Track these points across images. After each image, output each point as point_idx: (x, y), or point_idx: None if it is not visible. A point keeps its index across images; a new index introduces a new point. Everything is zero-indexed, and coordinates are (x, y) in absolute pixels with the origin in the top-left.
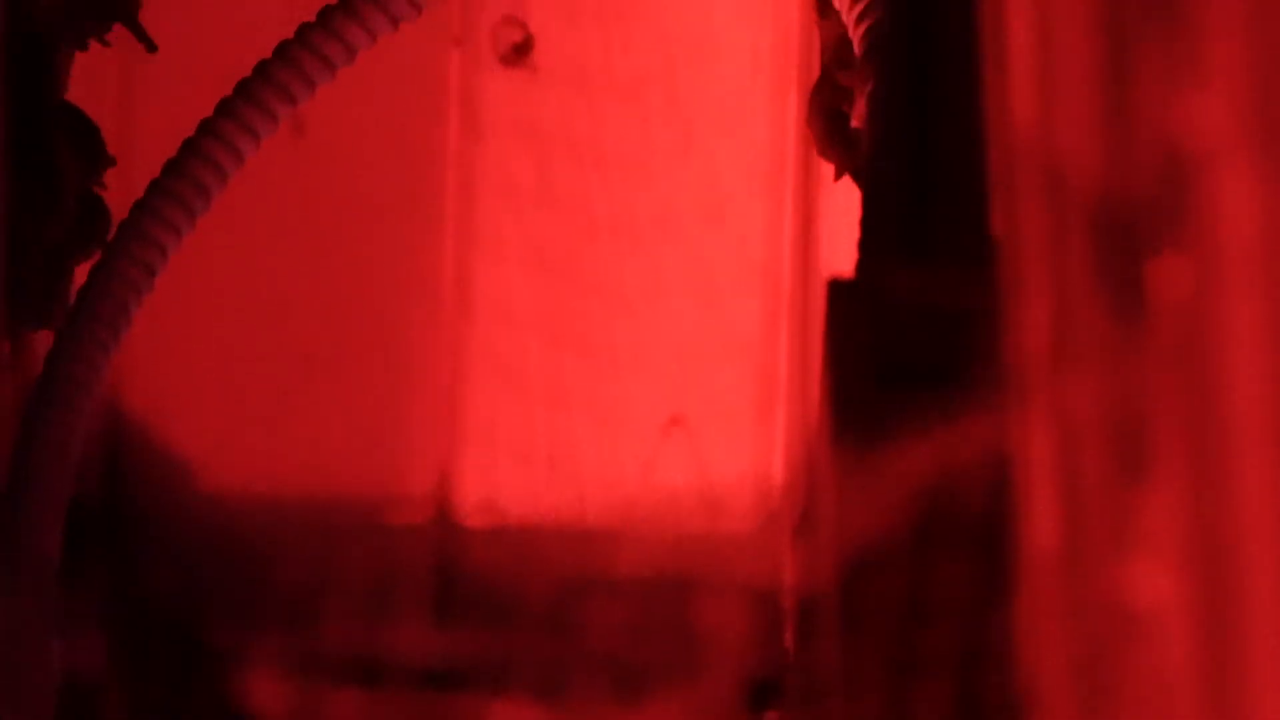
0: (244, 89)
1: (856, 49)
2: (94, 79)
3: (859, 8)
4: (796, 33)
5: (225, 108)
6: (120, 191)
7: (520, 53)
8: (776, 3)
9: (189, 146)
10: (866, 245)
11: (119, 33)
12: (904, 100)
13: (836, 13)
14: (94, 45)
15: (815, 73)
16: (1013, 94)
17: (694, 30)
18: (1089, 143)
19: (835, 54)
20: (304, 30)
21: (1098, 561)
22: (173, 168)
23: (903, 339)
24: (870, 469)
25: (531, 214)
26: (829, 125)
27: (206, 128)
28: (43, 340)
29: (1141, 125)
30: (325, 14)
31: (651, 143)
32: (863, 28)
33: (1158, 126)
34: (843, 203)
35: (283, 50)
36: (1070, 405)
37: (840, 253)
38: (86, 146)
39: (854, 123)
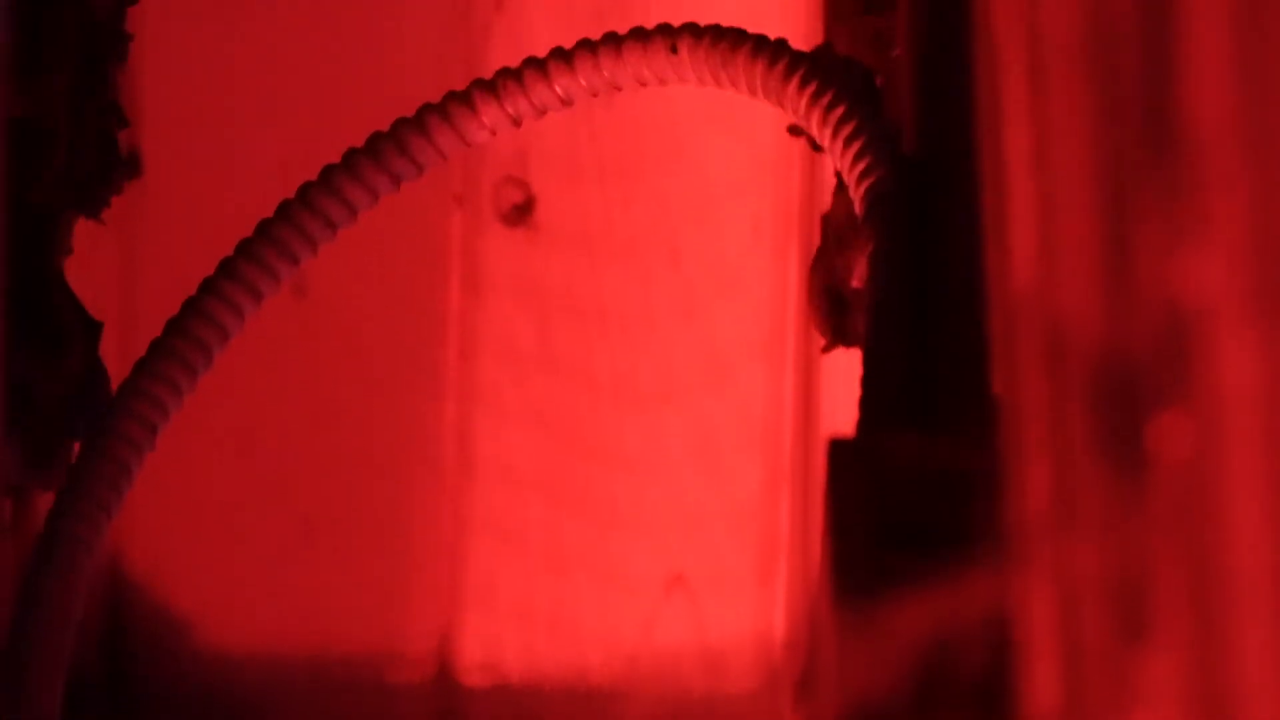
0: (245, 248)
1: (857, 208)
2: (96, 240)
3: (860, 167)
4: (798, 197)
5: (227, 267)
6: (122, 353)
7: (522, 213)
8: (777, 168)
9: (190, 306)
10: (867, 405)
11: (120, 199)
12: (905, 260)
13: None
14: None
15: (816, 236)
16: (1013, 254)
17: (696, 193)
18: (1089, 303)
19: (835, 233)
20: (306, 189)
21: None
22: (174, 327)
23: (903, 499)
24: (871, 629)
25: (533, 374)
26: (828, 303)
27: (208, 287)
28: (44, 500)
29: (1142, 284)
30: (327, 173)
31: (653, 304)
32: (864, 187)
33: (1158, 285)
34: (844, 364)
35: (284, 210)
36: (1071, 566)
37: (841, 414)
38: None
39: (854, 283)
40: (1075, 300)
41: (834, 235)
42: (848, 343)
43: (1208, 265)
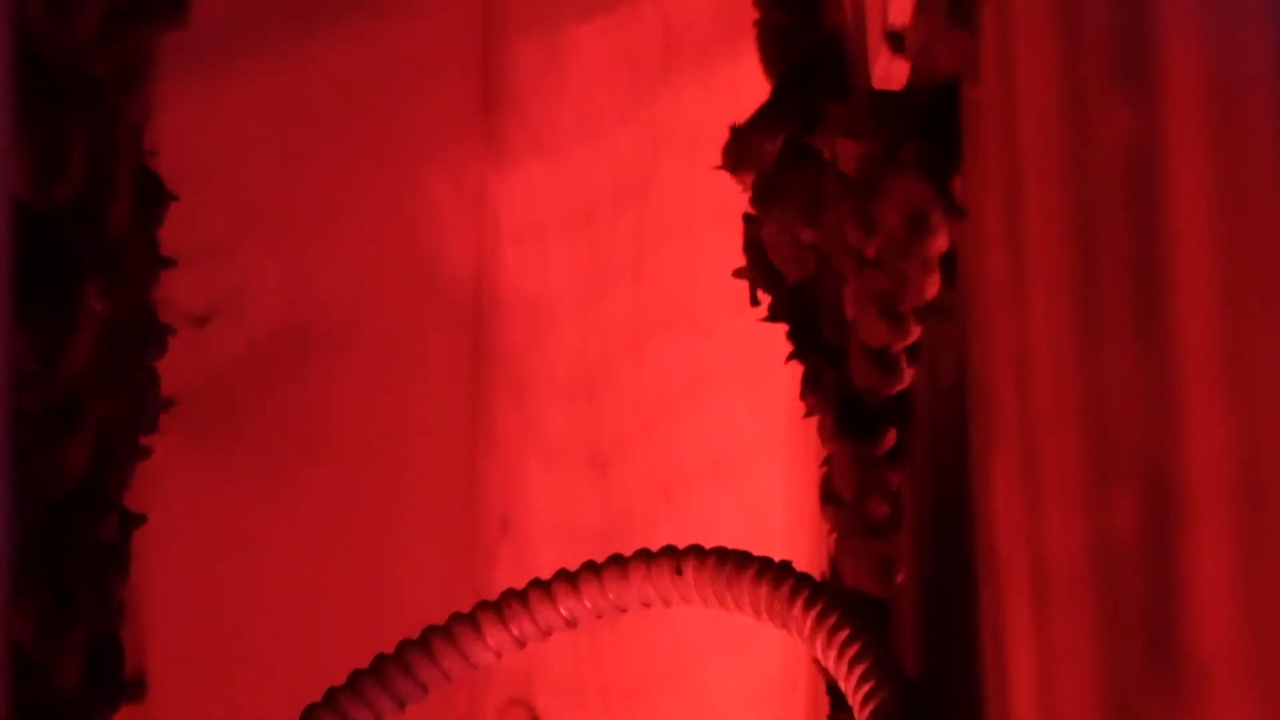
0: None
1: None
2: None
3: (865, 689)
4: (802, 718)
5: None
6: None
7: None
8: (781, 690)
9: None
10: None
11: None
12: None
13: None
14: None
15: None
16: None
17: (700, 715)
18: None
19: None
20: (310, 712)
21: None
22: None
23: None
24: None
25: None
26: None
27: None
28: None
29: None
30: (331, 696)
31: None
32: (868, 709)
33: None
34: None
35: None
36: None
37: None
38: None
39: None
40: None
41: None
42: None
43: None
